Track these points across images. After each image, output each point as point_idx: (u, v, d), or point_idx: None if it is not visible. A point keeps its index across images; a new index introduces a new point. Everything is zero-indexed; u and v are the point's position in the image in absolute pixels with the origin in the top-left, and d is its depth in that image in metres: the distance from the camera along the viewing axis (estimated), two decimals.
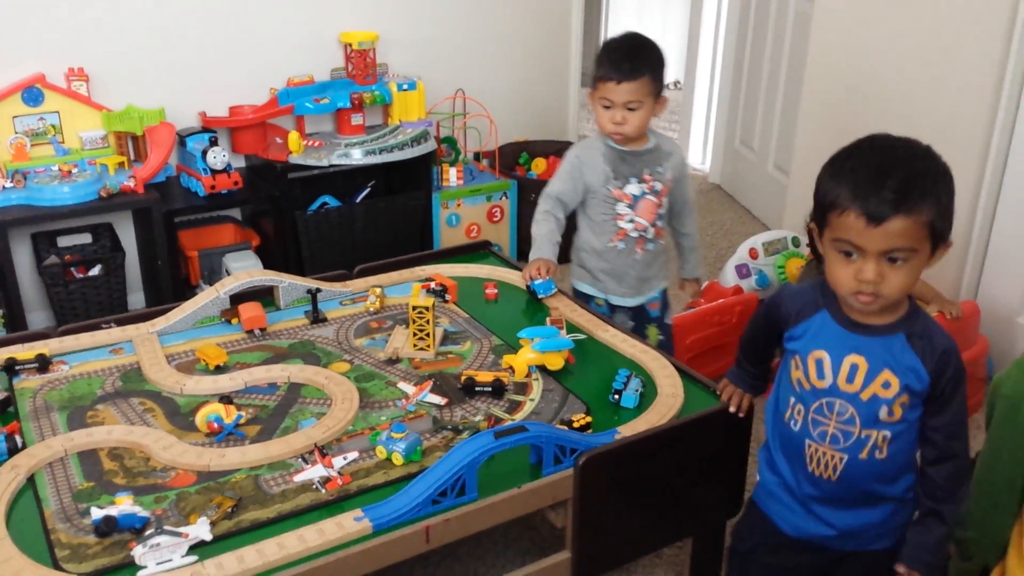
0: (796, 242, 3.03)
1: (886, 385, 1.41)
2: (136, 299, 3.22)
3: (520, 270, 2.48)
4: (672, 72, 6.42)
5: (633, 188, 2.26)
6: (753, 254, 2.96)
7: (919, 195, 1.30)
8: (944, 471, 1.45)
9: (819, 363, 1.46)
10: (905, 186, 1.30)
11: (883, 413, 1.43)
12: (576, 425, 1.74)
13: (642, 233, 2.30)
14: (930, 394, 1.42)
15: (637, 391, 1.85)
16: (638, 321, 2.41)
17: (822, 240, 1.40)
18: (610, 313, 2.37)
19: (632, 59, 2.15)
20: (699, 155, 4.90)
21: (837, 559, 1.59)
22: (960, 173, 2.68)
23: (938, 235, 1.35)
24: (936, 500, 1.45)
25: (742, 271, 2.91)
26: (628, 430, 1.74)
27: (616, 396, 1.85)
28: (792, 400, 1.52)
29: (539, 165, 3.86)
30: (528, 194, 3.57)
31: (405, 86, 3.36)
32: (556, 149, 3.95)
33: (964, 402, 1.43)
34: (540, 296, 2.27)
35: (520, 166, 3.88)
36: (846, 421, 1.45)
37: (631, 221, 2.28)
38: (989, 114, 2.69)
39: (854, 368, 1.43)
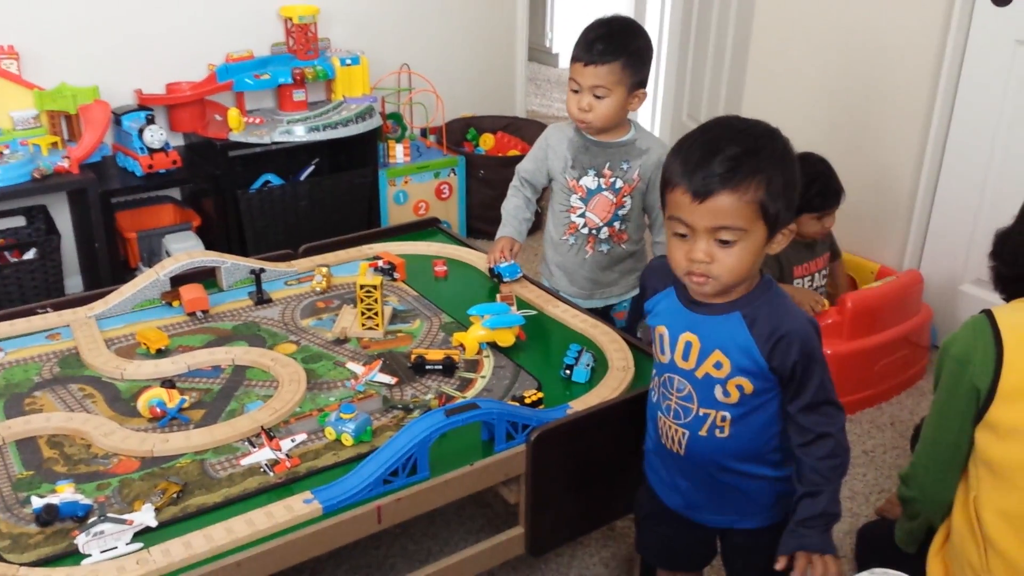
0: None
1: (717, 365, 1.41)
2: (73, 283, 3.14)
3: (469, 247, 2.47)
4: None
5: (589, 181, 2.13)
6: None
7: (747, 172, 1.28)
8: (813, 453, 1.40)
9: (661, 338, 1.48)
10: (733, 163, 1.28)
11: (718, 393, 1.42)
12: (528, 401, 1.74)
13: (593, 231, 2.17)
14: (779, 377, 1.39)
15: (588, 366, 1.85)
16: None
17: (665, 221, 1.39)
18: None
19: (606, 41, 1.99)
20: (647, 128, 4.91)
21: (713, 534, 1.61)
22: (903, 143, 2.72)
23: (772, 218, 1.32)
24: (810, 483, 1.40)
25: None
26: (580, 405, 1.74)
27: (567, 371, 1.85)
28: (653, 372, 1.56)
29: (487, 141, 3.83)
30: (476, 170, 3.55)
31: (348, 61, 3.30)
32: (504, 124, 3.93)
33: (824, 382, 1.39)
34: (505, 280, 2.17)
35: (468, 142, 3.85)
36: (684, 398, 1.46)
37: (582, 216, 2.16)
38: (931, 82, 2.73)
39: (688, 345, 1.43)
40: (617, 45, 1.99)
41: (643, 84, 2.05)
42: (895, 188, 2.91)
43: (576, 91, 2.04)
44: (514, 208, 2.22)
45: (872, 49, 2.88)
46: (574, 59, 2.03)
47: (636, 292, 2.17)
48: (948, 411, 1.52)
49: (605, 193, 2.13)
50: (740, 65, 3.69)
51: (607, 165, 2.12)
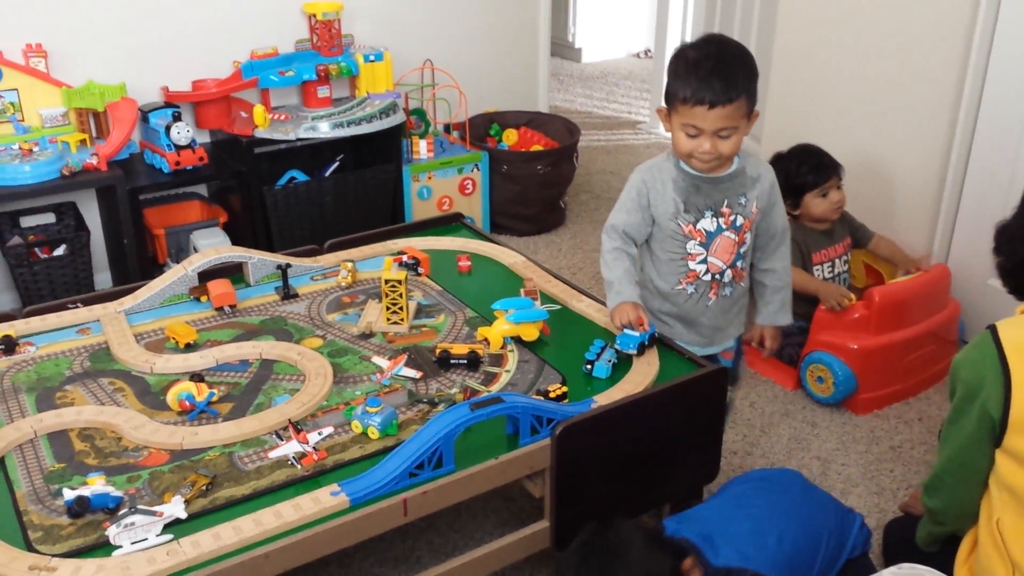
0: None
1: None
2: (102, 279, 3.17)
3: (493, 242, 2.47)
4: (643, 41, 6.41)
5: (708, 223, 1.88)
6: None
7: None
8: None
9: None
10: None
11: None
12: (552, 395, 1.74)
13: (717, 276, 1.93)
14: None
15: (610, 362, 1.85)
16: None
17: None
18: None
19: (726, 76, 1.73)
20: None
21: None
22: (930, 136, 2.69)
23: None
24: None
25: None
26: (604, 399, 1.74)
27: (588, 366, 1.85)
28: None
29: (510, 136, 3.83)
30: (500, 165, 3.55)
31: (372, 57, 3.31)
32: (527, 120, 3.92)
33: None
34: (632, 350, 1.87)
35: (491, 137, 3.85)
36: None
37: (704, 262, 1.90)
38: (959, 76, 2.70)
39: None
40: (738, 78, 1.75)
41: (755, 105, 1.83)
42: (922, 182, 2.88)
43: (693, 136, 1.79)
44: (624, 272, 1.92)
45: (898, 40, 2.85)
46: (688, 101, 1.76)
47: (742, 330, 2.05)
48: (964, 433, 1.49)
49: (727, 233, 1.90)
50: (765, 56, 3.67)
51: (724, 203, 1.88)
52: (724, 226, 1.89)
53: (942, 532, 1.68)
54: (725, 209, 1.88)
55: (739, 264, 1.94)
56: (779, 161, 2.64)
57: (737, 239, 1.90)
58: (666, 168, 1.90)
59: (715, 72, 1.73)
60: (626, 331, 1.87)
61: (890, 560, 1.93)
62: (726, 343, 2.04)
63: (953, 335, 2.73)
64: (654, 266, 1.97)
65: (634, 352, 1.86)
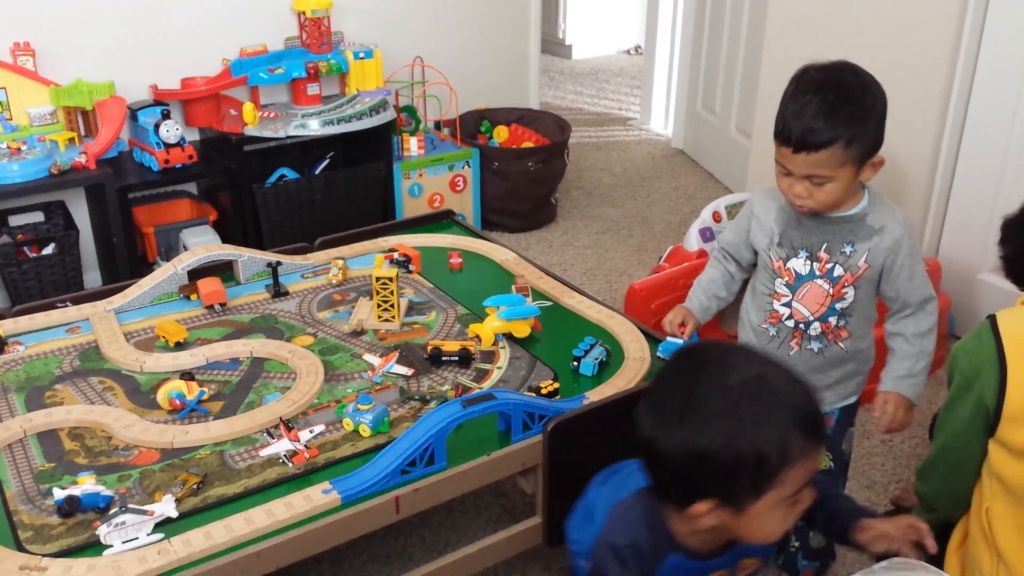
0: None
1: None
2: (92, 278, 3.16)
3: (484, 239, 2.47)
4: (633, 37, 6.41)
5: (799, 264, 1.68)
6: (716, 217, 2.95)
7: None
8: None
9: None
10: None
11: None
12: (544, 392, 1.74)
13: (802, 326, 1.71)
14: None
15: (597, 359, 1.85)
16: None
17: None
18: None
19: (820, 119, 1.52)
20: (661, 120, 4.90)
21: None
22: (920, 129, 2.69)
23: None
24: None
25: (706, 235, 2.90)
26: (596, 395, 1.74)
27: (575, 363, 1.86)
28: None
29: (501, 133, 3.83)
30: (491, 162, 3.55)
31: (362, 54, 3.30)
32: (518, 116, 3.92)
33: None
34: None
35: (482, 134, 3.84)
36: None
37: (787, 305, 1.71)
38: (948, 67, 2.70)
39: None
40: (837, 122, 1.52)
41: (877, 148, 1.59)
42: (912, 175, 2.88)
43: (785, 174, 1.60)
44: (707, 281, 1.84)
45: (888, 35, 2.86)
46: (776, 134, 1.58)
47: (852, 401, 1.80)
48: (959, 421, 1.50)
49: (819, 281, 1.67)
50: (755, 51, 3.67)
51: (824, 246, 1.65)
52: (818, 272, 1.67)
53: (934, 520, 1.69)
54: (822, 254, 1.65)
55: (833, 320, 1.69)
56: None
57: (832, 291, 1.66)
58: (778, 195, 1.70)
59: (806, 111, 1.53)
60: (669, 339, 1.84)
61: (882, 554, 1.93)
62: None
63: (943, 330, 2.74)
64: (751, 296, 1.81)
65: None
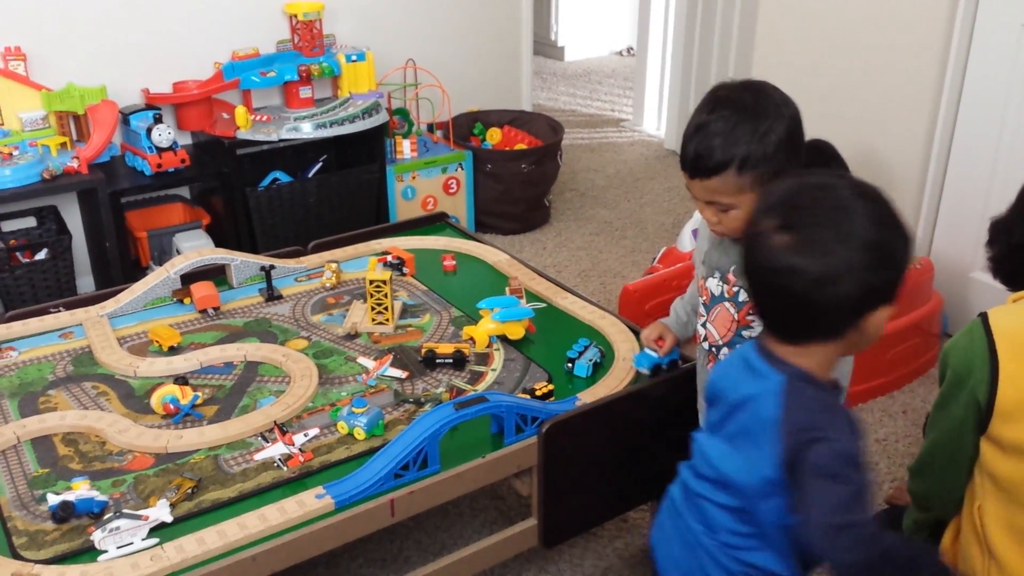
0: None
1: None
2: (85, 283, 3.15)
3: (477, 241, 2.47)
4: (625, 38, 6.42)
5: (713, 284, 1.60)
6: None
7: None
8: None
9: None
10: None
11: None
12: (539, 393, 1.74)
13: (713, 349, 1.64)
14: None
15: (591, 361, 1.86)
16: None
17: None
18: None
19: (711, 141, 1.42)
20: (654, 121, 4.91)
21: None
22: (911, 129, 2.71)
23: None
24: None
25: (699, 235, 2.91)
26: (588, 396, 1.74)
27: (569, 364, 1.86)
28: None
29: (494, 135, 3.83)
30: (484, 164, 3.55)
31: (354, 57, 3.30)
32: (510, 118, 3.92)
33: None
34: (644, 369, 1.79)
35: (475, 136, 3.85)
36: None
37: (704, 326, 1.65)
38: (939, 67, 2.72)
39: None
40: (726, 146, 1.41)
41: (785, 171, 1.43)
42: (904, 175, 2.90)
43: (692, 198, 1.54)
44: (689, 295, 1.79)
45: (878, 34, 2.87)
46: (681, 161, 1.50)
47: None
48: (951, 419, 1.50)
49: (727, 304, 1.59)
50: (746, 51, 3.68)
51: (732, 268, 1.56)
52: (726, 295, 1.58)
53: (927, 519, 1.69)
54: (731, 276, 1.57)
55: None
56: None
57: (737, 317, 1.57)
58: None
59: (698, 133, 1.44)
60: (645, 350, 1.80)
61: None
62: None
63: (936, 328, 2.75)
64: None
65: (647, 371, 1.79)
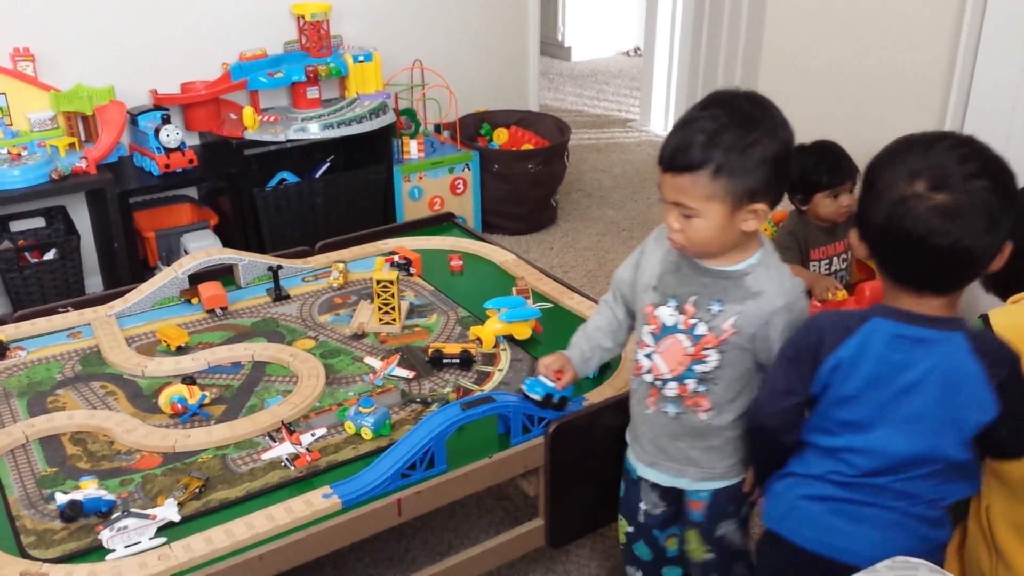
0: None
1: None
2: (93, 283, 3.16)
3: (484, 241, 2.47)
4: (632, 39, 6.41)
5: (666, 313, 1.47)
6: None
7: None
8: None
9: None
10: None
11: None
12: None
13: (658, 382, 1.50)
14: None
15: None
16: (675, 510, 1.61)
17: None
18: (636, 482, 1.62)
19: (695, 136, 1.34)
20: (661, 121, 4.90)
21: None
22: (921, 127, 2.70)
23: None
24: None
25: None
26: (595, 396, 1.74)
27: None
28: None
29: (501, 135, 3.83)
30: (491, 165, 3.55)
31: (361, 58, 3.31)
32: (517, 119, 3.92)
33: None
34: (535, 395, 1.64)
35: (482, 136, 3.85)
36: None
37: (648, 357, 1.50)
38: (947, 66, 2.71)
39: None
40: (708, 145, 1.33)
41: (764, 195, 1.36)
42: None
43: (661, 199, 1.43)
44: (593, 328, 1.65)
45: (887, 31, 2.86)
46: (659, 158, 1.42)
47: (727, 484, 1.53)
48: None
49: (680, 336, 1.45)
50: (754, 50, 3.68)
51: (692, 299, 1.44)
52: (681, 326, 1.45)
53: None
54: (689, 307, 1.44)
55: (691, 384, 1.46)
56: (798, 154, 2.62)
57: (692, 350, 1.44)
58: (666, 234, 1.48)
59: (686, 127, 1.36)
60: (540, 377, 1.64)
61: None
62: (680, 480, 1.54)
63: None
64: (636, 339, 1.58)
65: (537, 399, 1.63)
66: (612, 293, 1.64)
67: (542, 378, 1.64)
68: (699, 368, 1.45)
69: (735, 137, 1.33)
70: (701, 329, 1.43)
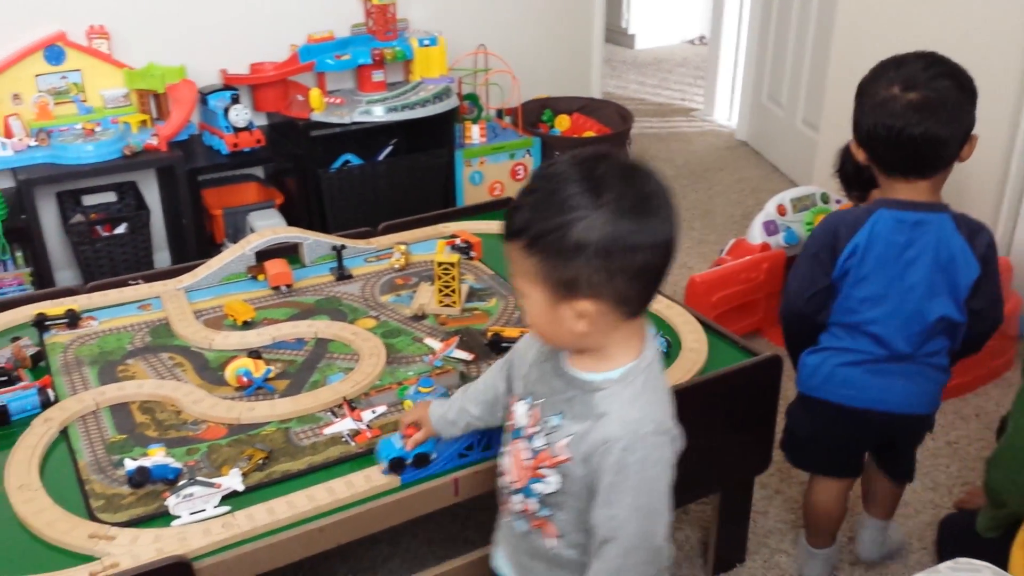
0: (825, 198, 2.99)
1: None
2: (162, 257, 3.24)
3: None
4: (697, 27, 6.34)
5: (521, 411, 1.23)
6: (781, 211, 2.92)
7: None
8: None
9: None
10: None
11: None
12: None
13: (506, 491, 1.28)
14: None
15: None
16: None
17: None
18: None
19: (525, 197, 1.09)
20: (725, 111, 4.85)
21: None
22: (991, 128, 2.64)
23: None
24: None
25: (770, 228, 2.87)
26: None
27: None
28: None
29: (562, 122, 3.82)
30: (552, 151, 3.55)
31: (426, 42, 3.33)
32: (580, 106, 3.91)
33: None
34: (381, 460, 1.50)
35: (543, 123, 3.84)
36: None
37: (504, 456, 1.29)
38: (1020, 65, 2.63)
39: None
40: (534, 213, 1.06)
41: (585, 291, 1.06)
42: (983, 174, 2.81)
43: None
44: (472, 388, 1.46)
45: (959, 31, 2.78)
46: None
47: None
48: None
49: (521, 445, 1.22)
50: (824, 42, 3.61)
51: (540, 402, 1.20)
52: (526, 433, 1.21)
53: (1003, 516, 1.66)
54: (536, 410, 1.20)
55: (533, 505, 1.21)
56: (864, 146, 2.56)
57: (528, 461, 1.20)
58: None
59: (525, 191, 1.10)
60: (393, 436, 1.51)
61: (944, 555, 1.90)
62: None
63: (1013, 330, 2.67)
64: None
65: (383, 464, 1.49)
66: (504, 360, 1.40)
67: (393, 436, 1.50)
68: (537, 487, 1.19)
69: (560, 208, 1.04)
70: (538, 442, 1.18)
